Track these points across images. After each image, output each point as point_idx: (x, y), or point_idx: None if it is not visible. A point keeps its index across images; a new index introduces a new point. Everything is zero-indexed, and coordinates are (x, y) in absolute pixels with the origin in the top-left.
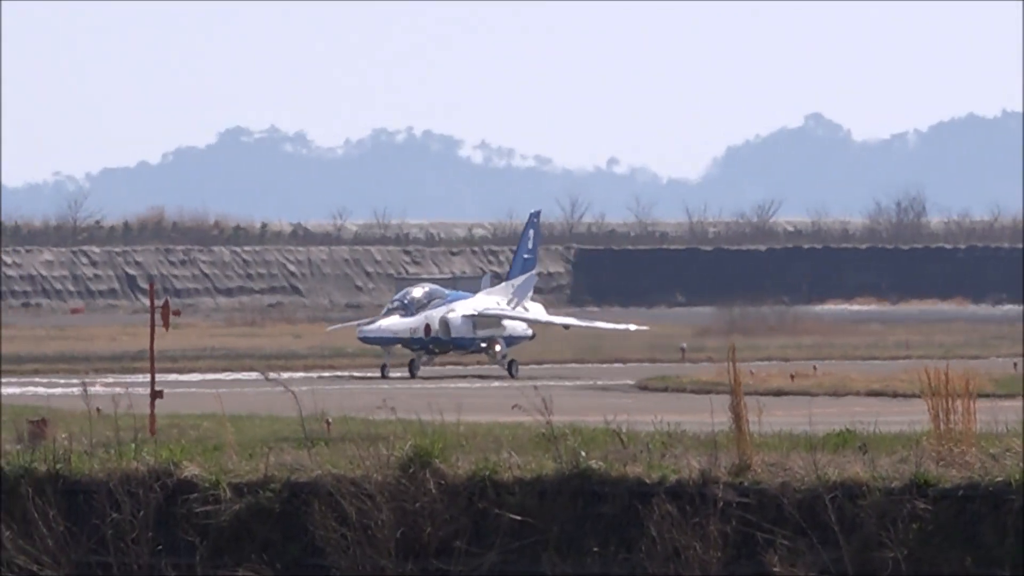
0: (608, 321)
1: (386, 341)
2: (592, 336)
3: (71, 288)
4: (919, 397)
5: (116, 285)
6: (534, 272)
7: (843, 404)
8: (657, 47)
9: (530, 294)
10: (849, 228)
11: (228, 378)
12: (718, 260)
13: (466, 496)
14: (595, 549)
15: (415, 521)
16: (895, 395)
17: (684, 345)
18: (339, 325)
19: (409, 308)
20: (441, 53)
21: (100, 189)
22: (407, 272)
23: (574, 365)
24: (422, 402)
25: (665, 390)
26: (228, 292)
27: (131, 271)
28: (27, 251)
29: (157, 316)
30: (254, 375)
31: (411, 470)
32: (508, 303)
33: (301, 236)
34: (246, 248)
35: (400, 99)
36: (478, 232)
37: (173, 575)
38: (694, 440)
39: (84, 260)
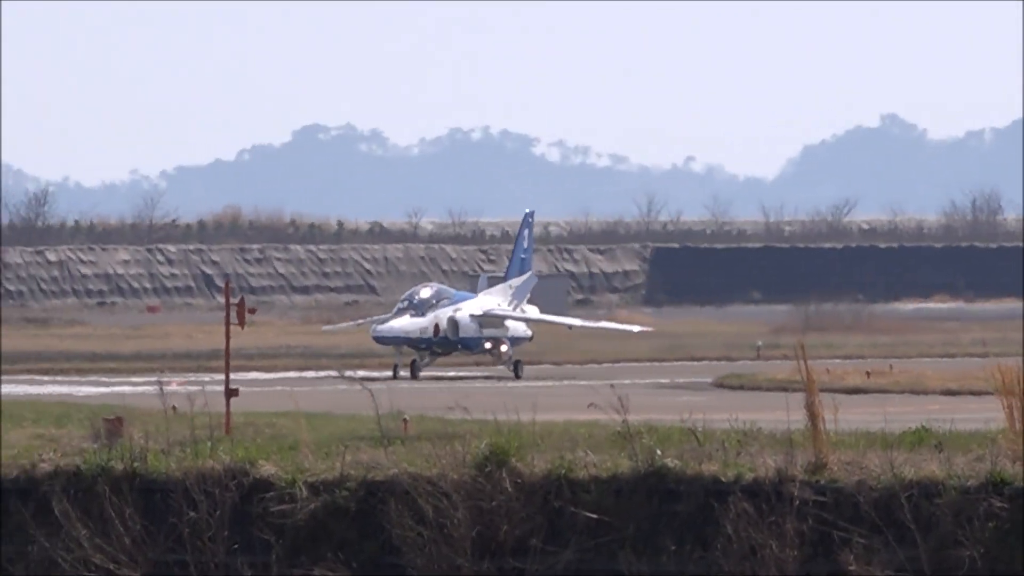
0: (686, 319)
1: (399, 341)
2: (669, 335)
3: (147, 286)
4: (995, 395)
5: (192, 283)
6: (533, 273)
7: (919, 402)
8: (734, 45)
9: (528, 295)
10: (924, 226)
11: (304, 376)
12: (794, 258)
13: (542, 495)
14: (671, 547)
15: (491, 520)
16: (971, 393)
17: (760, 343)
18: (336, 326)
19: (419, 308)
20: (516, 51)
21: (176, 187)
22: (482, 270)
23: (649, 364)
24: (498, 401)
25: (741, 388)
26: (304, 290)
27: (207, 269)
28: (103, 249)
29: (233, 314)
30: (330, 373)
31: (487, 469)
32: (508, 304)
33: (377, 234)
34: (322, 246)
35: (476, 97)
36: (553, 230)
37: (249, 574)
38: (770, 438)
39: (160, 258)
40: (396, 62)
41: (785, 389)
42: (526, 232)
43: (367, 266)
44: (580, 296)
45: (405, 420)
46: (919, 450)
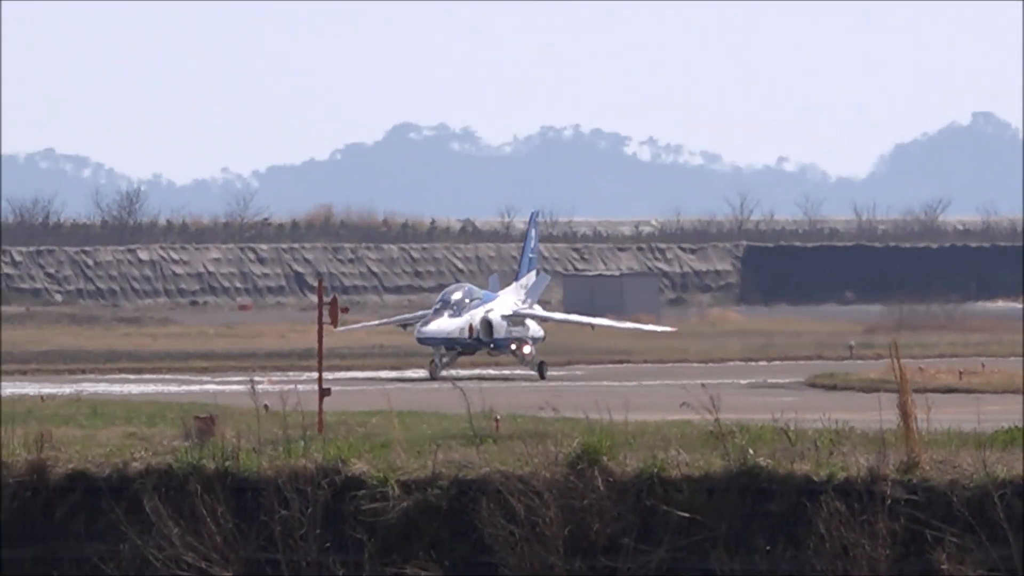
0: (779, 318)
1: (439, 342)
2: (762, 334)
3: (239, 285)
4: None
5: (284, 282)
6: (543, 273)
7: (1011, 401)
8: (826, 44)
9: (539, 295)
10: (1018, 226)
11: (396, 375)
12: (886, 258)
13: (634, 493)
14: (763, 547)
15: (583, 518)
16: None
17: (852, 343)
18: (351, 326)
19: (456, 309)
20: (608, 50)
21: (268, 186)
22: (575, 269)
23: (741, 363)
24: (588, 400)
25: (833, 388)
26: (396, 290)
27: (299, 268)
28: (195, 248)
29: (325, 313)
30: (423, 373)
31: (579, 467)
32: (522, 303)
33: (469, 233)
34: (414, 245)
35: (568, 96)
36: (645, 229)
37: (341, 573)
38: (862, 437)
39: (252, 257)
40: (488, 61)
41: (878, 389)
42: (533, 232)
43: (459, 265)
44: (672, 295)
45: (496, 419)
46: (1012, 449)
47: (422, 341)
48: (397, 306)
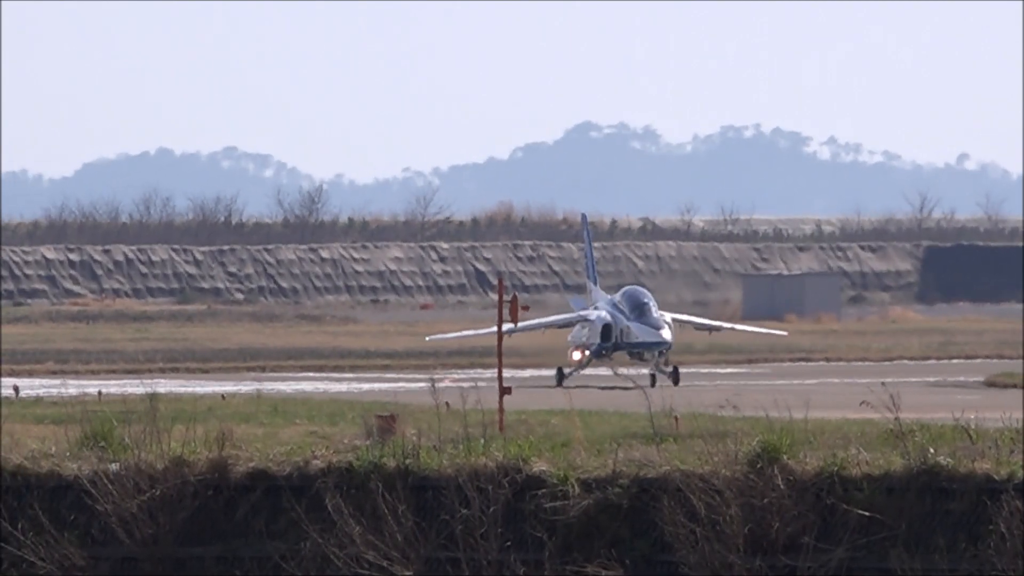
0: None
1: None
2: (941, 333)
3: (420, 284)
4: None
5: (464, 280)
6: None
7: None
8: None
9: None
10: None
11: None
12: None
13: (814, 492)
14: (943, 545)
15: (763, 517)
16: None
17: None
18: (441, 336)
19: (658, 310)
20: (788, 49)
21: (449, 185)
22: (756, 269)
23: (922, 362)
24: (768, 399)
25: (1014, 387)
26: (577, 289)
27: (480, 267)
28: (376, 247)
29: (506, 312)
30: (603, 371)
31: (759, 466)
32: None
33: (650, 232)
34: (594, 244)
35: (748, 95)
36: (826, 228)
37: (522, 571)
38: None
39: (433, 256)
40: (668, 60)
41: None
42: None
43: (639, 264)
44: (852, 294)
45: (676, 418)
46: None
47: (658, 345)
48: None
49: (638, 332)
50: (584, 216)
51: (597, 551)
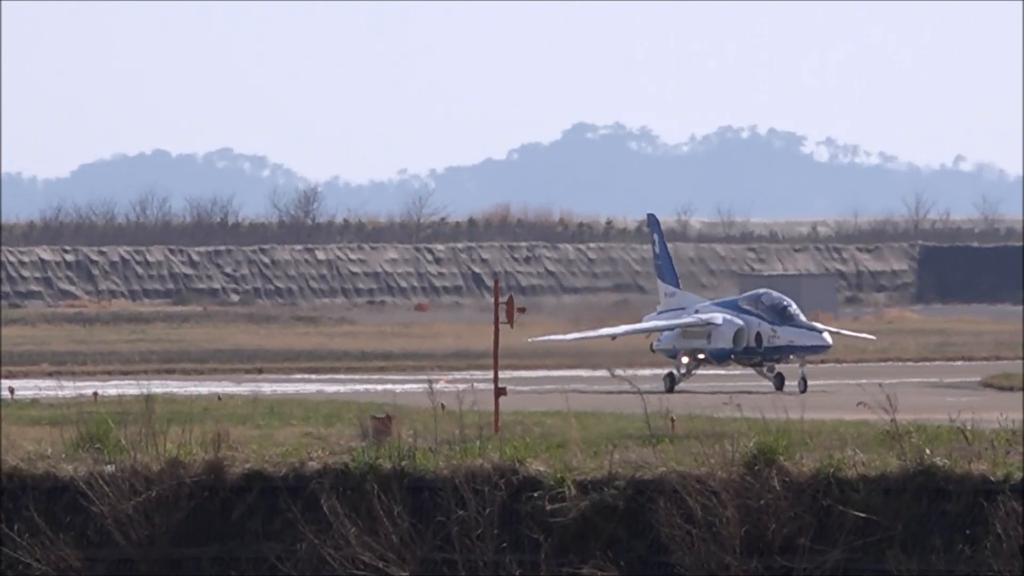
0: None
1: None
2: (938, 334)
3: (416, 285)
4: None
5: (461, 282)
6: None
7: None
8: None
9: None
10: None
11: (574, 375)
12: None
13: (810, 493)
14: (940, 547)
15: (759, 518)
16: None
17: None
18: (541, 337)
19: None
20: (785, 49)
21: (445, 187)
22: (751, 269)
23: (918, 363)
24: (766, 400)
25: (1010, 389)
26: (573, 290)
27: (476, 268)
28: (372, 248)
29: (502, 313)
30: (600, 373)
31: (756, 467)
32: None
33: (646, 233)
34: (591, 245)
35: (745, 96)
36: (822, 230)
37: (518, 573)
38: None
39: (429, 257)
40: (665, 60)
41: None
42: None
43: (635, 266)
44: (848, 294)
45: (672, 419)
46: None
47: (822, 349)
48: (574, 307)
49: (793, 336)
50: (653, 216)
51: (593, 552)
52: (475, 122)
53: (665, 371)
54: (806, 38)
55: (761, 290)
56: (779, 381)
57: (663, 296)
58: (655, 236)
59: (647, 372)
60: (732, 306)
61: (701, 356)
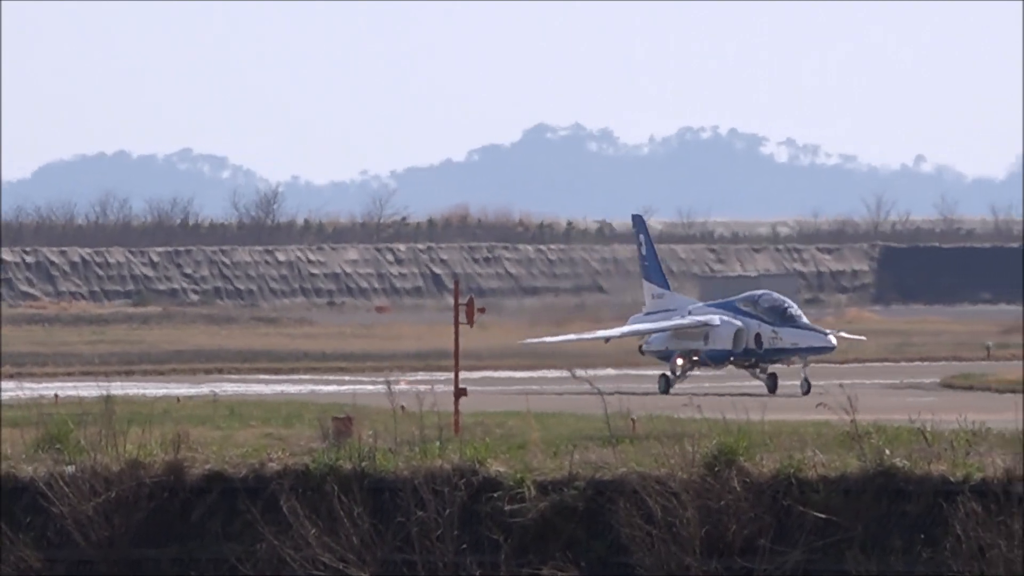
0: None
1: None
2: (898, 334)
3: (376, 286)
4: None
5: (421, 283)
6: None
7: None
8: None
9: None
10: None
11: (534, 376)
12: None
13: (770, 494)
14: (899, 547)
15: (719, 519)
16: None
17: (990, 343)
18: (534, 339)
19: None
20: (744, 50)
21: (406, 188)
22: (711, 270)
23: (878, 364)
24: (726, 401)
25: (970, 388)
26: (533, 291)
27: (436, 269)
28: (332, 249)
29: (462, 314)
30: (560, 374)
31: (716, 468)
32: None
33: (606, 235)
34: (551, 246)
35: (705, 97)
36: (782, 230)
37: (478, 573)
38: (999, 438)
39: (389, 258)
40: (625, 62)
41: (1015, 390)
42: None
43: (596, 266)
44: (808, 295)
45: (633, 420)
46: None
47: (827, 349)
48: (533, 308)
49: (796, 337)
50: (639, 217)
51: (553, 553)
52: (435, 123)
53: (657, 372)
54: (767, 39)
55: (760, 291)
56: (772, 382)
57: (649, 297)
58: (641, 237)
59: (609, 372)
60: (729, 307)
61: (696, 357)
